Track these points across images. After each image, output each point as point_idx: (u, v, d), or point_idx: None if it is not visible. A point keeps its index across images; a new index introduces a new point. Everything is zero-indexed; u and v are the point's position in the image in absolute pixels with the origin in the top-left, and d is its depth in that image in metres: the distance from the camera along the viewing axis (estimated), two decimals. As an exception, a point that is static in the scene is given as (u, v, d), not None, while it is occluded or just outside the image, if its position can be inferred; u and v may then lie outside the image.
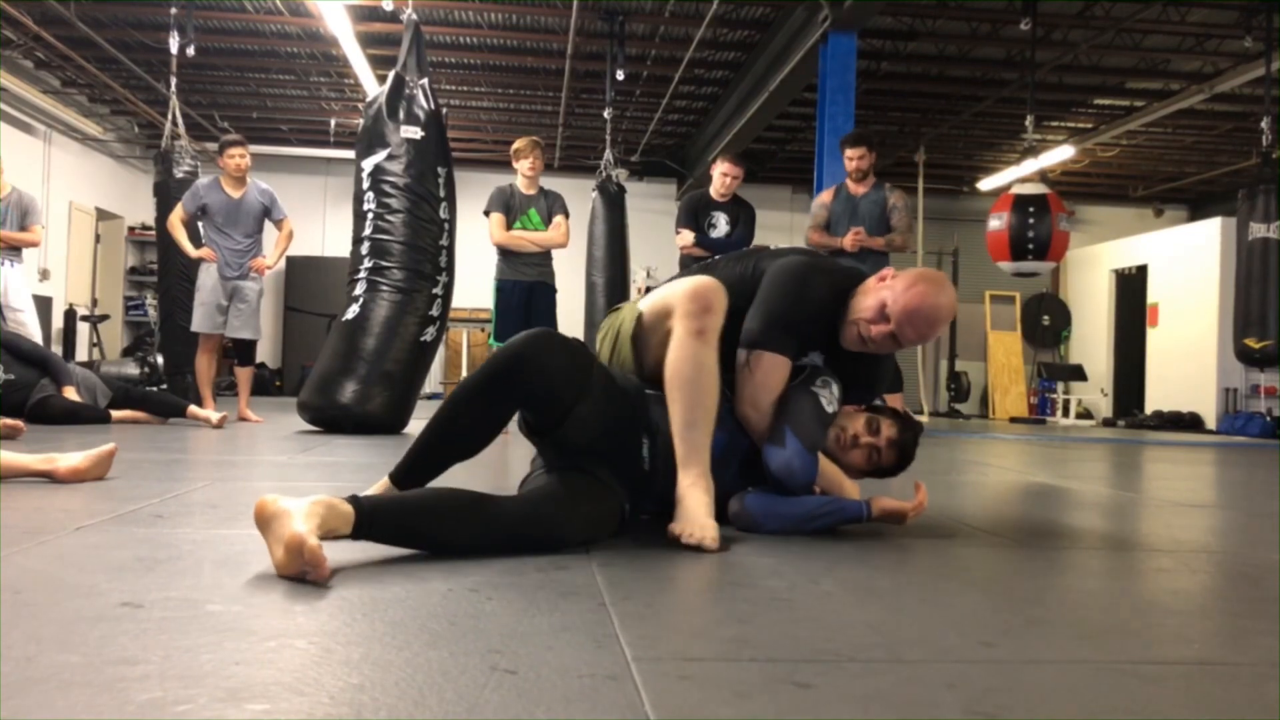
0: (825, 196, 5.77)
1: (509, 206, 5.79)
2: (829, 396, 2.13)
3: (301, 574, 1.49)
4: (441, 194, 5.34)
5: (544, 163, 5.97)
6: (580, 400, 1.92)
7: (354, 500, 1.63)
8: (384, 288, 5.15)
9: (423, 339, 5.20)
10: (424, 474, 1.94)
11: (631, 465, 2.01)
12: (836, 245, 5.50)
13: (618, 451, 2.00)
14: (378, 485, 1.94)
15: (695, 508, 1.94)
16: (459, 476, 1.98)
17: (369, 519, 1.62)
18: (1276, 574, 1.87)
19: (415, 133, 5.25)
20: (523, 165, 5.81)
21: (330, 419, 5.02)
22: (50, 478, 2.58)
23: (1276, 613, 1.53)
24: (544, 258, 5.89)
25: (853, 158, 5.51)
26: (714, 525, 1.92)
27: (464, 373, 11.50)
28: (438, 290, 5.27)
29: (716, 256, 2.51)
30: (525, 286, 5.77)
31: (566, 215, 5.87)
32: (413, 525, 1.69)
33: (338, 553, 1.67)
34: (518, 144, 5.87)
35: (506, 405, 1.92)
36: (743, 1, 7.87)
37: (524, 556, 1.74)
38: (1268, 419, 9.35)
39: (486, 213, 5.82)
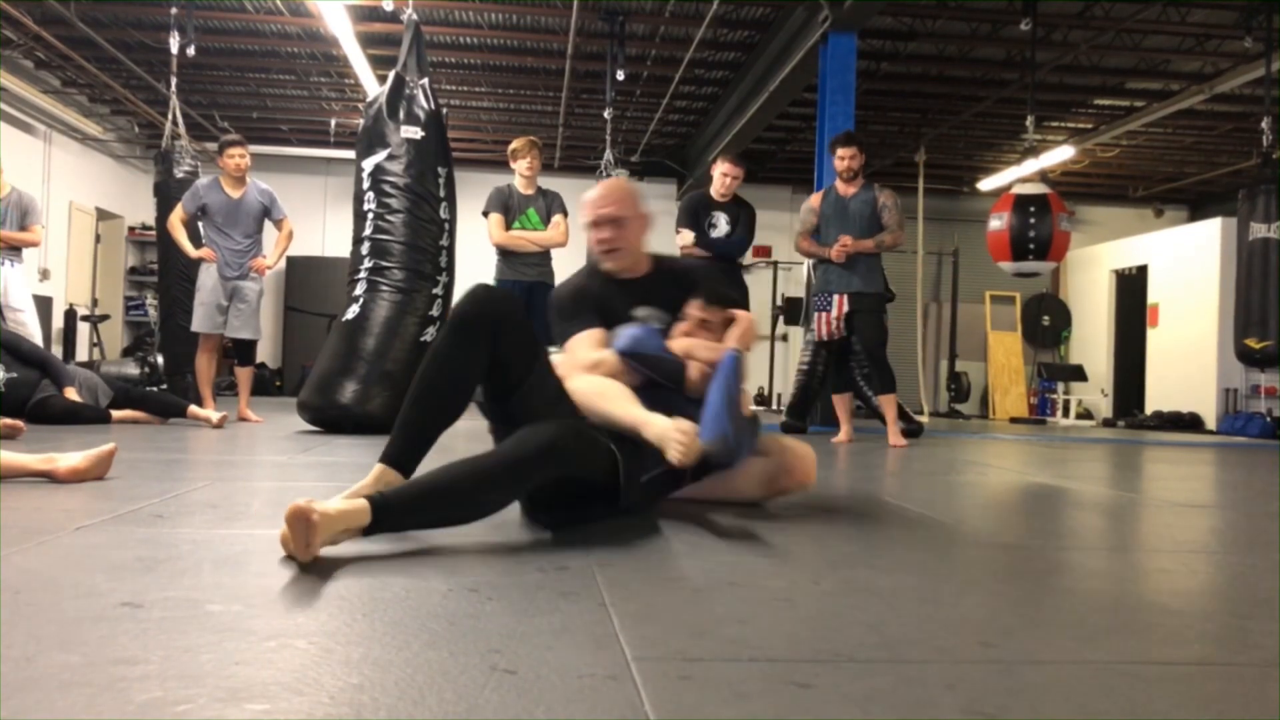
0: (814, 200, 5.75)
1: (507, 207, 5.80)
2: (645, 315, 2.54)
3: (307, 543, 1.58)
4: (442, 194, 5.34)
5: (542, 162, 5.98)
6: (538, 361, 2.14)
7: (367, 497, 1.72)
8: (384, 288, 5.15)
9: (423, 339, 5.20)
10: (417, 446, 2.03)
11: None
12: (825, 255, 5.52)
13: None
14: (372, 474, 1.99)
15: (656, 426, 2.12)
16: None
17: (384, 510, 1.71)
18: (1276, 574, 1.87)
19: (415, 133, 5.24)
20: (520, 165, 5.82)
21: (330, 419, 5.02)
22: (50, 478, 2.58)
23: (1276, 613, 1.53)
24: (543, 258, 5.89)
25: (844, 157, 5.50)
26: (672, 422, 2.10)
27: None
28: (438, 290, 5.27)
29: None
30: (525, 287, 5.77)
31: (565, 214, 5.87)
32: (424, 503, 1.79)
33: (337, 551, 1.67)
34: (515, 144, 5.88)
35: (473, 354, 2.04)
36: (743, 2, 7.86)
37: (524, 556, 1.74)
38: (1268, 419, 9.35)
39: (485, 213, 5.82)
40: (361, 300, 5.16)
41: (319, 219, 12.44)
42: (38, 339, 5.86)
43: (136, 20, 8.61)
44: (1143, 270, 11.88)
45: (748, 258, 10.60)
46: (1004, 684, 1.12)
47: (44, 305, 8.90)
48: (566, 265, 6.74)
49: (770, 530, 2.25)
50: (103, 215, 11.58)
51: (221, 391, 7.95)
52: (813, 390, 6.69)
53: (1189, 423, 10.38)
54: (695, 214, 5.72)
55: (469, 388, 2.07)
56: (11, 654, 1.07)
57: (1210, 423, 10.30)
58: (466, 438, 2.98)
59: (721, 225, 5.71)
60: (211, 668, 1.05)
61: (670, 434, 2.07)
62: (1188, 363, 10.82)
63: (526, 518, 2.18)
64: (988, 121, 10.80)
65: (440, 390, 2.05)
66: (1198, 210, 13.88)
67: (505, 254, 5.83)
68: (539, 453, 1.89)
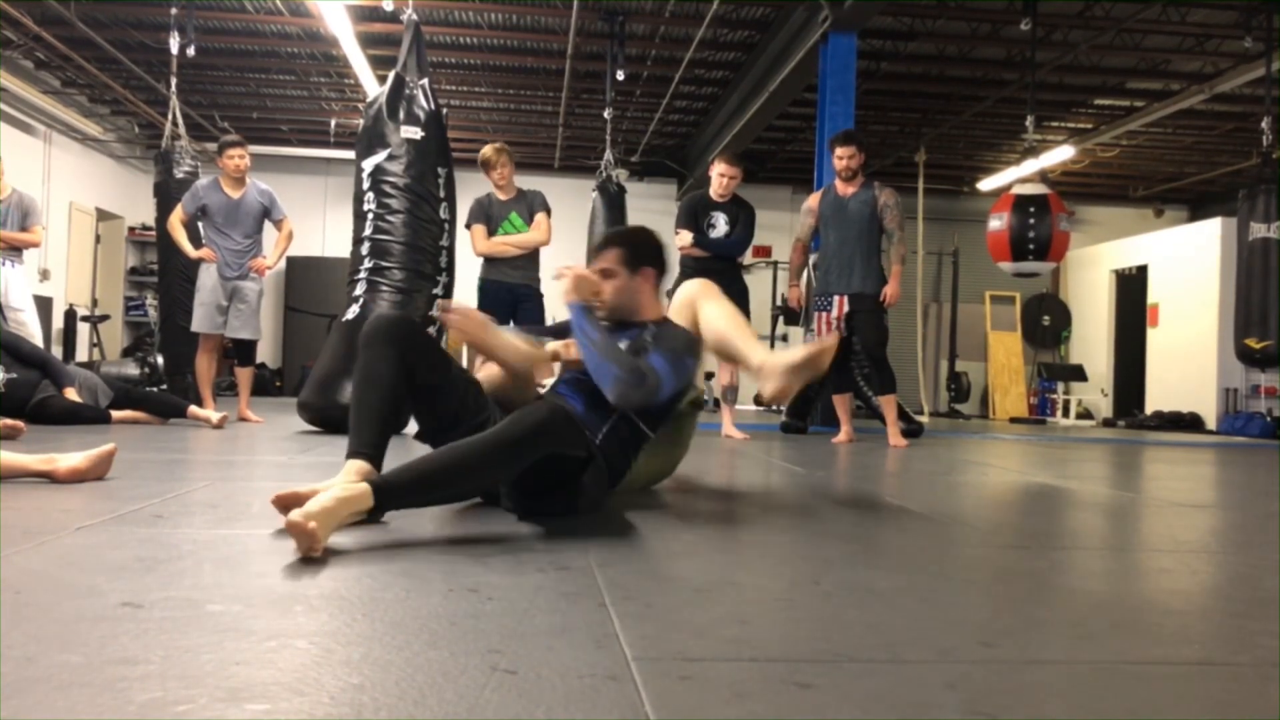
0: (812, 201, 5.74)
1: (489, 216, 5.80)
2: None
3: (310, 547, 1.65)
4: (442, 194, 5.34)
5: (515, 165, 5.91)
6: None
7: (369, 481, 1.86)
8: (384, 288, 5.15)
9: (423, 339, 5.20)
10: (383, 433, 2.21)
11: None
12: (794, 294, 5.89)
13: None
14: (354, 471, 2.06)
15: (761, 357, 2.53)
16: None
17: (386, 493, 1.84)
18: (1276, 574, 1.87)
19: (415, 133, 5.24)
20: (493, 176, 5.79)
21: (330, 419, 5.02)
22: (50, 478, 2.58)
23: (1276, 613, 1.53)
24: (529, 260, 5.86)
25: (843, 156, 5.50)
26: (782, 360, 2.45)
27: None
28: (438, 291, 5.27)
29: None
30: (508, 288, 5.77)
31: (548, 212, 5.86)
32: (427, 483, 1.91)
33: (338, 551, 1.67)
34: (484, 154, 5.79)
35: (392, 351, 2.27)
36: (743, 1, 7.87)
37: (524, 556, 1.74)
38: (1268, 419, 9.35)
39: (467, 226, 5.81)
40: (361, 300, 5.16)
41: (319, 219, 12.44)
42: (38, 339, 5.86)
43: (136, 20, 8.61)
44: (1143, 270, 11.88)
45: (748, 258, 10.61)
46: (1004, 684, 1.12)
47: (44, 305, 8.90)
48: (553, 263, 6.75)
49: (770, 530, 2.25)
50: (103, 215, 11.58)
51: (222, 392, 7.95)
52: (813, 390, 6.70)
53: (1189, 423, 10.37)
54: (694, 214, 5.72)
55: (399, 376, 2.26)
56: (12, 654, 1.07)
57: (1210, 423, 10.30)
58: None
59: (720, 225, 5.71)
60: (212, 668, 1.05)
61: (773, 367, 2.44)
62: (1188, 363, 10.82)
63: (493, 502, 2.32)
64: (988, 121, 10.80)
65: (377, 382, 2.24)
66: (1198, 210, 13.88)
67: (489, 259, 5.83)
68: (533, 431, 1.97)
